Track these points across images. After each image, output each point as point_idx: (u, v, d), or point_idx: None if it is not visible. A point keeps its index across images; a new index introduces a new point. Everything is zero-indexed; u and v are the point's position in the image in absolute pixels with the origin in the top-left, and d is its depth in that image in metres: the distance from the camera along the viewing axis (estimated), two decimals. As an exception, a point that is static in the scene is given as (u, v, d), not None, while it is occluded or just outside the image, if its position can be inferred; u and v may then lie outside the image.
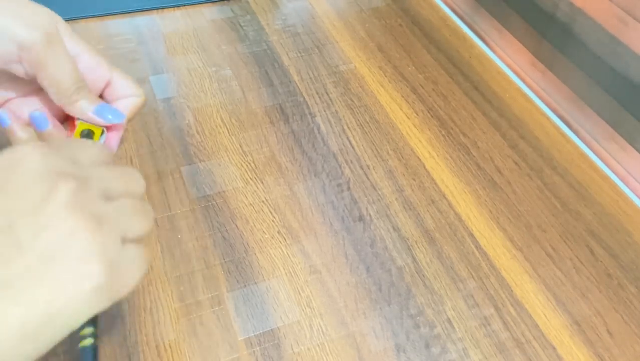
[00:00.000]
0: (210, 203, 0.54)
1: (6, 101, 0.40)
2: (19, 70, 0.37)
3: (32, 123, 0.40)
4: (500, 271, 0.51)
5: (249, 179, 0.57)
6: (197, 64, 0.69)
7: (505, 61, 0.78)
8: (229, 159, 0.59)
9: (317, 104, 0.66)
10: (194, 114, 0.63)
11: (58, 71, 0.36)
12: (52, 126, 0.40)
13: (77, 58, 0.38)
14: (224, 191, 0.55)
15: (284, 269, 0.50)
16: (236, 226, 0.53)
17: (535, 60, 0.73)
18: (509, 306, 0.49)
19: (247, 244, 0.51)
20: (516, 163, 0.61)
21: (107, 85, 0.40)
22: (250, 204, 0.54)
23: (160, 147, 0.59)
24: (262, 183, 0.57)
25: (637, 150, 0.61)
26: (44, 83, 0.37)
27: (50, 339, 0.26)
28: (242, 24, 0.76)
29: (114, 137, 0.41)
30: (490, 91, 0.70)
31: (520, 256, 0.53)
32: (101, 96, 0.41)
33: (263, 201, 0.55)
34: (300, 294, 0.48)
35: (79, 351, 0.30)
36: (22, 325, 0.25)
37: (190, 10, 0.78)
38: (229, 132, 0.61)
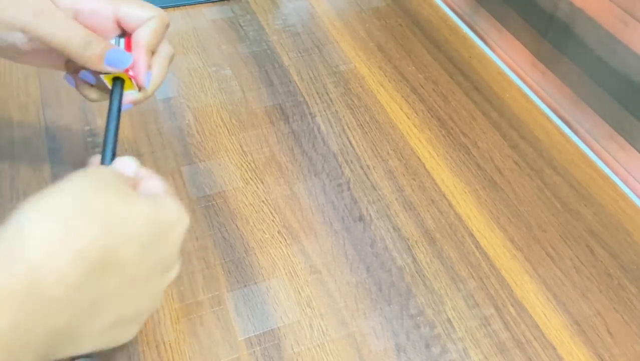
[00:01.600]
0: (210, 203, 0.54)
1: (68, 60, 0.41)
2: (42, 45, 0.37)
3: (83, 80, 0.41)
4: (501, 271, 0.51)
5: (249, 179, 0.57)
6: (197, 64, 0.69)
7: (506, 61, 0.78)
8: (229, 159, 0.59)
9: (317, 104, 0.66)
10: (194, 114, 0.63)
11: (59, 39, 0.37)
12: (95, 80, 0.41)
13: (76, 12, 0.38)
14: (224, 191, 0.55)
15: (284, 269, 0.50)
16: (236, 226, 0.53)
17: (535, 60, 0.73)
18: (509, 306, 0.49)
19: (247, 244, 0.51)
20: (516, 163, 0.61)
21: (119, 20, 0.40)
22: (251, 204, 0.54)
23: (160, 147, 0.59)
24: (262, 183, 0.57)
25: (637, 150, 0.61)
26: (58, 51, 0.38)
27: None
28: (242, 24, 0.76)
29: (139, 76, 0.40)
30: (490, 91, 0.70)
31: (521, 256, 0.53)
32: (125, 32, 0.41)
33: (263, 201, 0.55)
34: (300, 294, 0.48)
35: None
36: None
37: (190, 10, 0.78)
38: (229, 132, 0.61)
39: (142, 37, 0.40)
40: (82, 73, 0.41)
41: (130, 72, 0.40)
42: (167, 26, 0.42)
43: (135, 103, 0.42)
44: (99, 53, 0.38)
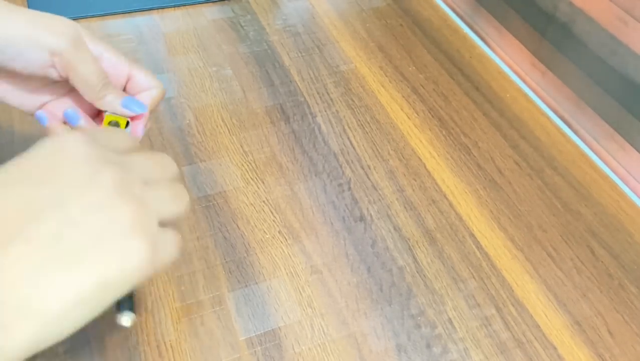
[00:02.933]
0: (211, 203, 0.54)
1: (44, 104, 0.44)
2: (53, 74, 0.41)
3: (66, 120, 0.44)
4: (501, 271, 0.51)
5: (250, 179, 0.57)
6: (197, 63, 0.69)
7: (506, 61, 0.78)
8: (230, 159, 0.59)
9: (317, 104, 0.66)
10: (195, 114, 0.63)
11: (86, 71, 0.41)
12: (83, 120, 0.44)
13: (100, 58, 0.42)
14: (224, 191, 0.55)
15: (285, 269, 0.50)
16: (237, 226, 0.53)
17: (536, 60, 0.73)
18: (510, 306, 0.49)
19: (248, 244, 0.51)
20: (517, 163, 0.61)
21: (129, 80, 0.44)
22: (251, 204, 0.54)
23: (161, 147, 0.59)
24: (263, 182, 0.57)
25: (637, 150, 0.61)
26: (75, 83, 0.41)
27: (100, 305, 0.29)
28: (242, 24, 0.76)
29: (138, 126, 0.45)
30: (490, 91, 0.70)
31: (521, 256, 0.53)
32: (124, 90, 0.45)
33: (264, 201, 0.55)
34: (301, 294, 0.48)
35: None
36: (77, 292, 0.27)
37: (191, 10, 0.78)
38: (229, 132, 0.61)
39: (147, 99, 0.45)
40: (68, 113, 0.44)
41: (129, 119, 0.44)
42: (163, 97, 0.46)
43: None
44: (114, 95, 0.43)
